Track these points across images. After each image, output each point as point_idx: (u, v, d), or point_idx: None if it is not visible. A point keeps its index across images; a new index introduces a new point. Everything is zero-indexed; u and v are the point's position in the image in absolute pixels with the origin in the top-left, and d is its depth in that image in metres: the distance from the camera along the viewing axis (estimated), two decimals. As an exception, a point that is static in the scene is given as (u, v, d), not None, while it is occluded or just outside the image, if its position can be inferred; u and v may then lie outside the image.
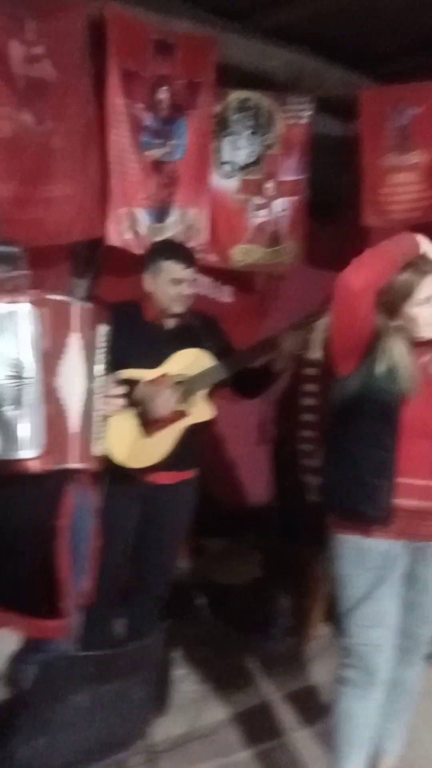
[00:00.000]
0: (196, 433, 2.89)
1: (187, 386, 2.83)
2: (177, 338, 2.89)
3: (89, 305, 2.16)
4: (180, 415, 2.82)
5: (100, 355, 2.15)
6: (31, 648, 2.07)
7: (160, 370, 2.82)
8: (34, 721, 1.85)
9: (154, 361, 2.82)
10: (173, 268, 2.84)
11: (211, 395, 2.90)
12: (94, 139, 3.39)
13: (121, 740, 2.07)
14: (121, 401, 2.21)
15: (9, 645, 2.18)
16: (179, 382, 2.84)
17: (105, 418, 2.16)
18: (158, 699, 2.17)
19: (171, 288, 2.83)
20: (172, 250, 2.99)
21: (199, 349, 2.86)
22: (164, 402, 2.73)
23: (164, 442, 2.81)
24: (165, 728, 2.80)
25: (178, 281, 2.84)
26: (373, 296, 2.15)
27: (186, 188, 3.72)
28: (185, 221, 3.73)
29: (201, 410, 2.86)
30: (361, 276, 2.12)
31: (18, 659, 2.12)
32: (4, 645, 2.49)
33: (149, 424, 2.79)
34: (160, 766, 2.30)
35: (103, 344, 2.17)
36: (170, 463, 2.82)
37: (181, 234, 3.70)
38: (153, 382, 2.79)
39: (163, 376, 2.82)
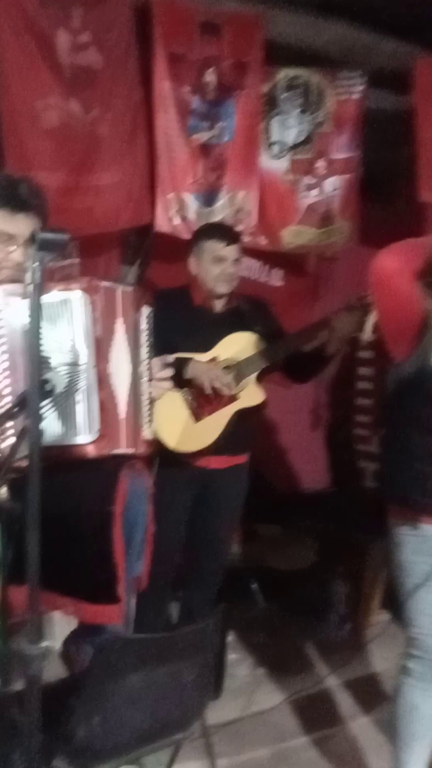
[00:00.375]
0: (247, 417, 2.87)
1: (236, 370, 2.82)
2: (226, 322, 2.87)
3: (131, 288, 2.15)
4: (230, 399, 2.81)
5: (145, 338, 2.15)
6: (85, 630, 2.09)
7: (209, 354, 2.81)
8: (90, 701, 1.87)
9: (204, 346, 2.81)
10: (214, 246, 2.83)
11: (262, 379, 2.88)
12: (141, 125, 3.39)
13: (175, 722, 2.08)
14: (168, 383, 2.20)
15: (64, 626, 2.22)
16: (229, 367, 2.82)
17: (152, 401, 2.16)
18: (213, 682, 2.17)
19: (214, 267, 2.82)
20: (213, 229, 2.99)
21: (248, 332, 2.84)
22: (217, 376, 2.72)
23: (214, 426, 2.80)
24: (219, 712, 2.81)
25: (220, 259, 2.82)
26: (410, 277, 2.08)
27: (234, 171, 3.69)
28: (234, 204, 3.70)
29: (251, 394, 2.83)
30: (393, 256, 2.07)
31: (73, 641, 2.15)
32: (60, 627, 2.53)
33: (198, 408, 2.78)
34: (214, 750, 2.30)
35: (147, 326, 2.16)
36: (221, 447, 2.81)
37: (231, 217, 3.68)
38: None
39: (213, 360, 2.81)
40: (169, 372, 2.20)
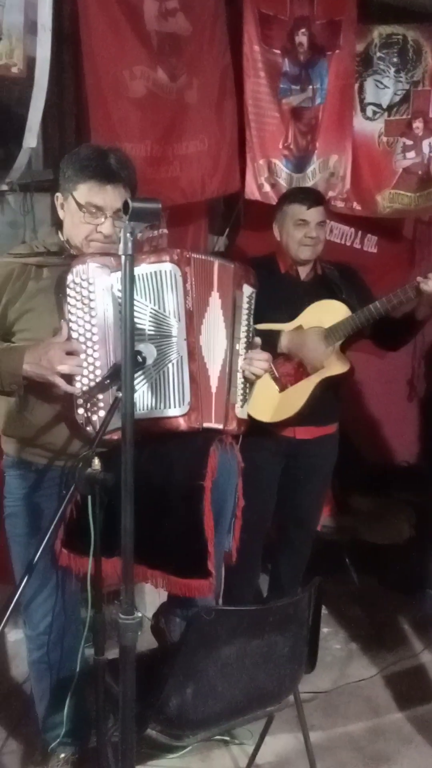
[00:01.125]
0: (333, 386, 2.81)
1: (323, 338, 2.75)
2: (313, 289, 2.81)
3: (233, 265, 2.12)
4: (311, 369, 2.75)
5: (244, 317, 2.12)
6: (175, 603, 2.10)
7: (295, 322, 2.76)
8: (183, 672, 1.88)
9: (290, 314, 2.75)
10: (296, 210, 2.77)
11: (349, 347, 2.80)
12: (229, 91, 3.33)
13: (268, 695, 2.08)
14: (266, 365, 2.17)
15: (154, 598, 2.24)
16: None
17: (249, 381, 2.13)
18: (307, 655, 2.15)
19: (297, 231, 2.76)
20: (296, 192, 2.93)
21: (335, 300, 2.77)
22: (315, 348, 2.67)
23: (299, 396, 2.75)
24: (313, 684, 2.80)
25: (302, 222, 2.76)
26: None
27: (327, 134, 3.59)
28: (327, 169, 3.61)
29: (337, 363, 2.76)
30: None
31: (163, 613, 2.17)
32: (151, 598, 2.57)
33: (282, 378, 2.74)
34: (308, 723, 2.29)
35: (248, 306, 2.13)
36: (307, 417, 2.76)
37: (323, 183, 3.58)
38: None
39: (299, 328, 2.75)
40: (266, 356, 2.17)
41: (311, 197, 2.81)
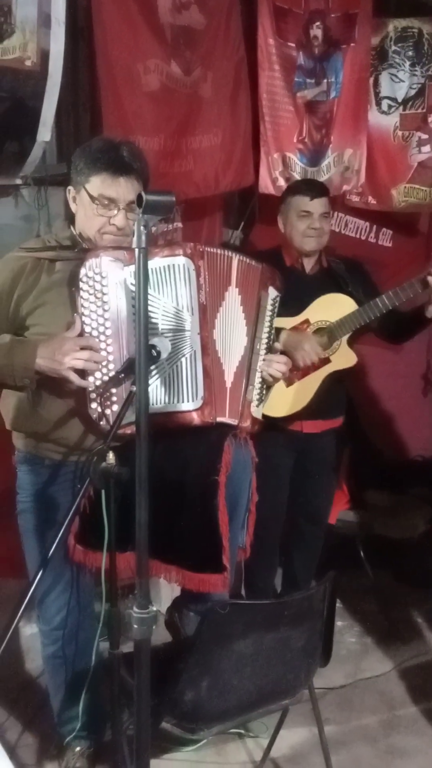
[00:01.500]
0: (340, 380, 2.80)
1: (329, 332, 2.74)
2: (319, 283, 2.80)
3: (261, 266, 2.12)
4: (322, 362, 2.73)
5: (267, 318, 2.11)
6: (189, 597, 2.10)
7: (301, 316, 2.75)
8: (198, 666, 1.88)
9: (296, 308, 2.74)
10: (299, 201, 2.77)
11: (355, 340, 2.79)
12: (243, 85, 3.32)
13: (283, 689, 2.08)
14: (285, 369, 2.16)
15: (168, 592, 2.24)
16: (321, 329, 2.75)
17: (267, 383, 2.13)
18: (321, 649, 2.15)
19: (300, 222, 2.76)
20: (299, 184, 2.95)
21: (341, 293, 2.75)
22: (310, 350, 2.66)
23: (306, 390, 2.74)
24: (327, 678, 2.80)
25: (306, 214, 2.75)
26: None
27: (342, 128, 3.57)
28: (341, 163, 3.60)
29: (344, 357, 2.75)
30: None
31: (177, 607, 2.17)
32: (165, 593, 2.57)
33: (290, 372, 2.73)
34: (323, 717, 2.29)
35: (272, 308, 2.13)
36: (314, 411, 2.76)
37: (338, 177, 3.57)
38: (295, 329, 2.72)
39: (305, 322, 2.74)
40: (285, 358, 2.17)
41: (314, 188, 2.82)
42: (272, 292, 2.13)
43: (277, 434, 2.75)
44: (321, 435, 2.87)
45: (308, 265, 2.84)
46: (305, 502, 2.99)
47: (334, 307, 2.74)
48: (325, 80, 3.53)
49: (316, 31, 3.47)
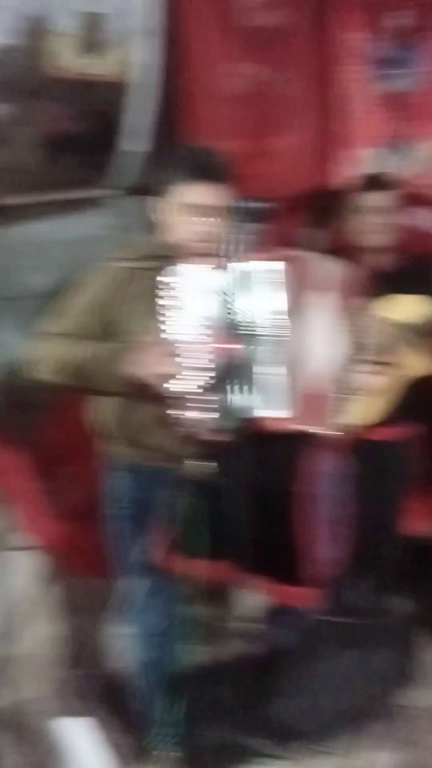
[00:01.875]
0: (413, 387, 2.70)
1: (400, 336, 2.65)
2: (391, 283, 2.71)
3: (348, 268, 2.10)
4: (394, 367, 2.65)
5: (361, 324, 2.08)
6: (280, 611, 2.08)
7: (384, 317, 2.67)
8: (287, 682, 1.87)
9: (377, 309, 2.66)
10: (358, 197, 2.74)
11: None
12: (320, 81, 3.26)
13: (367, 707, 2.05)
14: (381, 379, 2.12)
15: (256, 605, 2.21)
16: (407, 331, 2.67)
17: (358, 391, 2.09)
18: (405, 669, 2.10)
19: (359, 218, 2.73)
20: (361, 179, 2.90)
21: (413, 295, 2.66)
22: (399, 356, 2.59)
23: (383, 398, 2.66)
24: (413, 699, 2.71)
25: (364, 209, 2.72)
26: None
27: (426, 120, 3.46)
28: (427, 157, 3.49)
29: (416, 364, 2.65)
30: None
31: (268, 620, 2.15)
32: (253, 604, 2.54)
33: (381, 377, 2.66)
34: (406, 738, 2.22)
35: (363, 313, 2.09)
36: (391, 419, 2.67)
37: (423, 171, 3.47)
38: (382, 332, 2.65)
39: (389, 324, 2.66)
40: (381, 368, 2.12)
41: (373, 182, 2.77)
42: (363, 297, 2.08)
43: (370, 444, 2.69)
44: (395, 443, 2.78)
45: (378, 263, 2.76)
46: (379, 516, 2.89)
47: (405, 309, 2.66)
48: (407, 70, 3.44)
49: (396, 19, 3.38)
